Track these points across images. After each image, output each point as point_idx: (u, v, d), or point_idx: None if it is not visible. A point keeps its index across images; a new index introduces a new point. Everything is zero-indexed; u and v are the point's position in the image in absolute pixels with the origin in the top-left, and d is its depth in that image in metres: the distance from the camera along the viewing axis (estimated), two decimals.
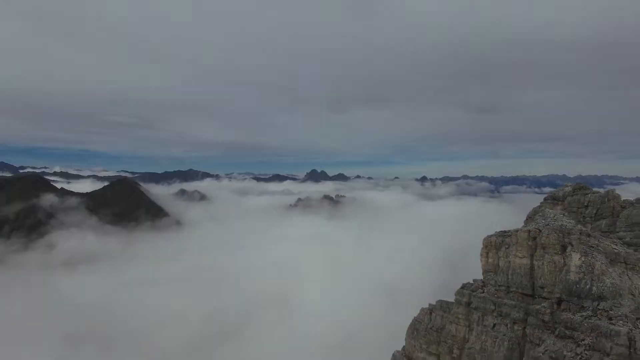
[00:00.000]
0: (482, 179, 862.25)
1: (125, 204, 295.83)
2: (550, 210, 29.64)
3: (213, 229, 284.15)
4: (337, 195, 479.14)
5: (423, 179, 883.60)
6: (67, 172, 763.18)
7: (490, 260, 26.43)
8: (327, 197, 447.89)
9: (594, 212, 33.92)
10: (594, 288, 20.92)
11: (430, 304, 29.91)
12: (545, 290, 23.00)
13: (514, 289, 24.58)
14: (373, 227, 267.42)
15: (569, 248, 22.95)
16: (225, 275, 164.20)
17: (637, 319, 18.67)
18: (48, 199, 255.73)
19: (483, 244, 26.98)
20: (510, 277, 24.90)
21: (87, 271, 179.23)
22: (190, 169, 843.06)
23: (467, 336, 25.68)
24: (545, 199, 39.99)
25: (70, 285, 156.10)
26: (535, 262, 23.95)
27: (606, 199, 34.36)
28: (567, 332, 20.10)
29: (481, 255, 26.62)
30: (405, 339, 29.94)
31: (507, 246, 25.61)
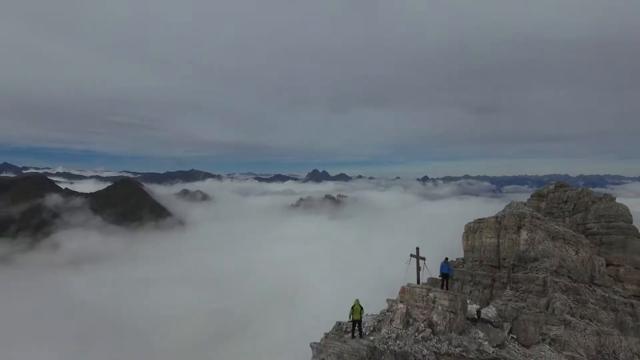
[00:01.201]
0: (483, 178, 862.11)
1: (129, 204, 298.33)
2: (517, 202, 36.12)
3: (216, 229, 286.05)
4: (338, 195, 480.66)
5: (424, 179, 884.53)
6: (69, 173, 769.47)
7: (469, 242, 32.73)
8: (328, 197, 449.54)
9: (572, 207, 38.98)
10: (532, 253, 28.46)
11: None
12: (506, 260, 29.75)
13: (485, 262, 30.95)
14: (375, 227, 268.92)
15: (522, 228, 29.69)
16: (229, 274, 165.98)
17: (554, 271, 26.84)
18: (53, 199, 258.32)
19: (464, 229, 32.98)
20: (482, 253, 31.41)
21: (92, 270, 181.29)
22: (192, 169, 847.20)
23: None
24: (532, 196, 44.54)
25: (76, 284, 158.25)
26: (500, 241, 30.65)
27: (582, 195, 39.10)
28: (514, 285, 27.31)
29: (463, 238, 32.87)
30: None
31: (481, 230, 31.92)
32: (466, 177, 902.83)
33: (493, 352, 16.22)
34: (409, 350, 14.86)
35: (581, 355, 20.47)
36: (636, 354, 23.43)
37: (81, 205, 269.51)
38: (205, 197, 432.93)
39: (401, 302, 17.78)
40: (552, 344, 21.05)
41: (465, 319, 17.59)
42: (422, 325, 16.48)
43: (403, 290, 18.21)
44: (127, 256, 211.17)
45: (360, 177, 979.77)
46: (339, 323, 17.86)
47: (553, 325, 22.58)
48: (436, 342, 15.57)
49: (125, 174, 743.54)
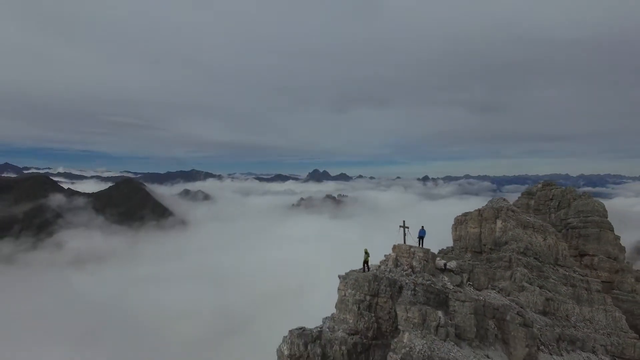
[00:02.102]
0: (484, 178, 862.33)
1: (131, 204, 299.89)
2: (497, 197, 41.14)
3: (218, 228, 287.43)
4: (339, 195, 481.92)
5: (425, 179, 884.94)
6: (70, 173, 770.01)
7: (457, 232, 38.00)
8: (329, 197, 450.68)
9: (557, 203, 43.74)
10: (504, 238, 34.25)
11: None
12: (486, 246, 35.55)
13: (469, 249, 36.47)
14: (376, 226, 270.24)
15: (498, 218, 35.56)
16: (232, 272, 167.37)
17: (521, 252, 32.94)
18: (56, 199, 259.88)
19: (454, 221, 38.91)
20: (467, 241, 36.82)
21: (96, 269, 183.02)
22: (193, 169, 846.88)
23: None
24: (522, 194, 49.38)
25: (81, 282, 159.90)
26: (481, 230, 36.16)
27: (565, 193, 43.84)
28: (490, 264, 32.84)
29: (452, 229, 38.60)
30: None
31: (466, 222, 37.28)
32: (467, 177, 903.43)
33: (453, 288, 22.91)
34: (397, 279, 22.44)
35: (519, 299, 27.87)
36: (588, 320, 30.45)
37: (84, 205, 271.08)
38: (206, 197, 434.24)
39: (393, 252, 25.94)
40: (499, 292, 28.53)
41: (435, 268, 25.14)
42: (406, 266, 24.33)
43: (394, 247, 25.95)
44: (130, 255, 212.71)
45: (360, 177, 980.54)
46: (352, 270, 24.69)
47: (502, 279, 31.10)
48: (415, 277, 22.94)
49: (125, 174, 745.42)
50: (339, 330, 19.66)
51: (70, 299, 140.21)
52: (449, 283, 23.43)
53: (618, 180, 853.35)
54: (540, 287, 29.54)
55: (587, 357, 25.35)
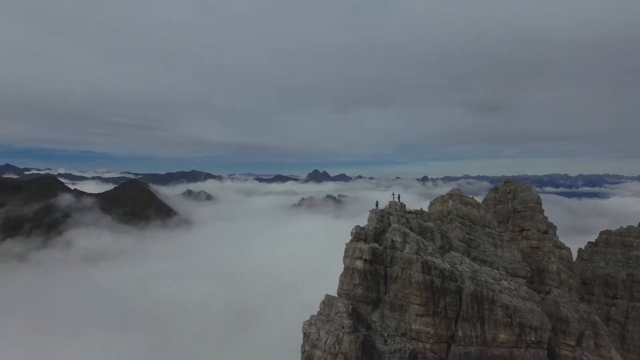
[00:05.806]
0: (483, 178, 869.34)
1: (136, 204, 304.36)
2: (455, 189, 58.08)
3: (222, 227, 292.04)
4: (339, 195, 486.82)
5: (424, 179, 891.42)
6: (71, 174, 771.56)
7: (431, 209, 55.20)
8: (330, 197, 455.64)
9: (512, 196, 61.33)
10: (452, 209, 51.92)
11: None
12: (444, 216, 53.00)
13: (436, 219, 52.40)
14: None
15: (450, 200, 53.32)
16: (241, 269, 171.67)
17: (460, 217, 50.66)
18: (64, 199, 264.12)
19: (429, 204, 56.59)
20: (436, 215, 53.59)
21: (106, 266, 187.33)
22: (193, 170, 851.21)
23: None
24: (490, 190, 66.01)
25: (94, 279, 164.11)
26: (442, 207, 53.95)
27: (518, 188, 61.23)
28: (443, 223, 51.28)
29: (428, 208, 55.57)
30: None
31: (435, 203, 55.49)
32: (466, 177, 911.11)
33: (413, 218, 44.32)
34: (390, 212, 43.44)
35: (448, 231, 46.90)
36: (500, 256, 48.37)
37: (91, 205, 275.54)
38: (209, 197, 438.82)
39: (389, 203, 46.65)
40: (437, 225, 46.24)
41: (405, 210, 45.89)
42: (394, 207, 44.96)
43: (389, 202, 46.74)
44: (138, 253, 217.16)
45: (360, 177, 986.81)
46: (374, 207, 44.96)
47: (440, 222, 50.70)
48: (396, 212, 43.72)
49: (126, 175, 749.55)
50: (370, 226, 40.90)
51: (86, 293, 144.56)
52: (411, 217, 44.43)
53: (616, 180, 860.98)
54: (468, 234, 48.48)
55: (490, 269, 43.78)
